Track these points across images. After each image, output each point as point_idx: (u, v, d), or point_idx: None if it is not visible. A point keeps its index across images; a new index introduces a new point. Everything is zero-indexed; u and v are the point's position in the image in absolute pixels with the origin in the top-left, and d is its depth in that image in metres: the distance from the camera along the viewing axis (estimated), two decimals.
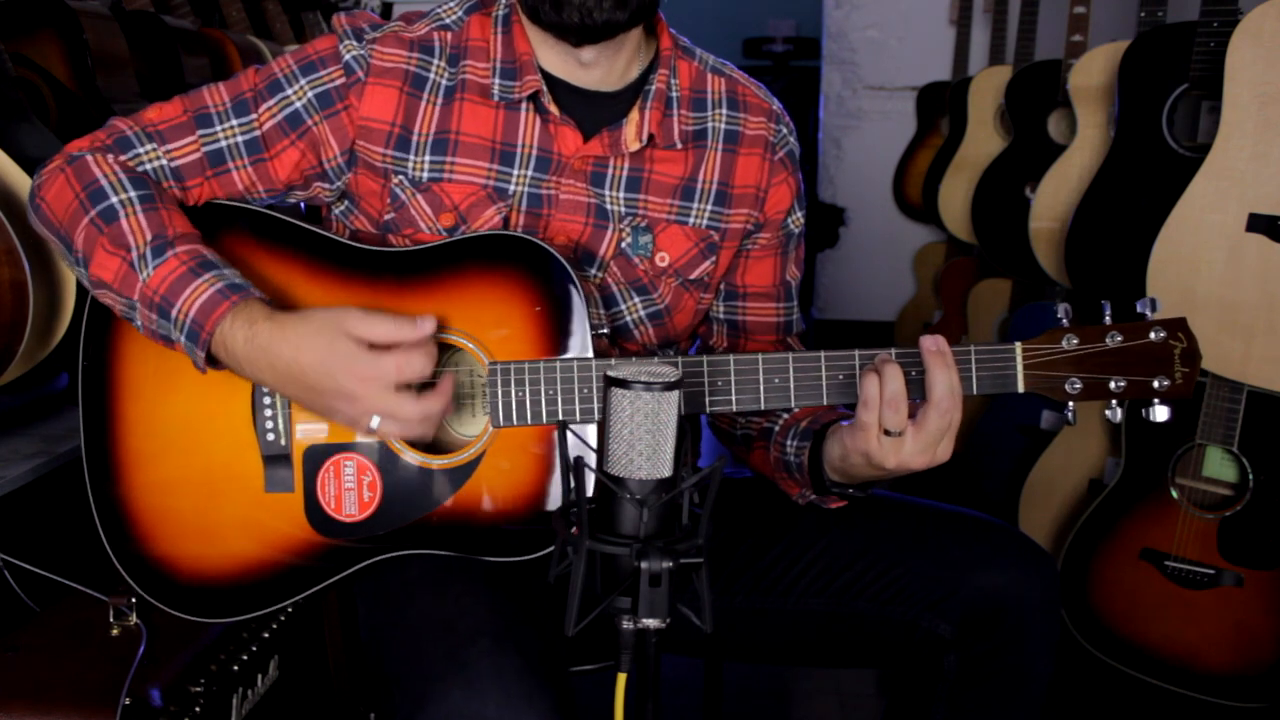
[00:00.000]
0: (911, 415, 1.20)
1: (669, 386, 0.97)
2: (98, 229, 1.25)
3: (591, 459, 1.02)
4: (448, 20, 1.39)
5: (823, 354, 1.26)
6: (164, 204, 1.28)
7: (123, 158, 1.31)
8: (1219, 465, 2.27)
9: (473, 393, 1.33)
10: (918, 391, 1.22)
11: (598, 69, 1.36)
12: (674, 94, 1.41)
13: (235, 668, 1.42)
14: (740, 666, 2.50)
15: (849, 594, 1.41)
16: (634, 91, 1.39)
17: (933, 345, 1.21)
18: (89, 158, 1.29)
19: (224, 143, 1.34)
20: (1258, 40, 2.01)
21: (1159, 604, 2.32)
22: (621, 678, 1.00)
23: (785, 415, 1.42)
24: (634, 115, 1.37)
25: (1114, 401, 1.26)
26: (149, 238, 1.24)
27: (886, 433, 1.20)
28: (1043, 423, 3.03)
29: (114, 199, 1.25)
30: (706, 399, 1.27)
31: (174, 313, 1.21)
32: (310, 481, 1.31)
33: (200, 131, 1.33)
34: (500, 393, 1.26)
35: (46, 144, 1.69)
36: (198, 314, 1.20)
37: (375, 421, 1.19)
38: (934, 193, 3.97)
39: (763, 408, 1.28)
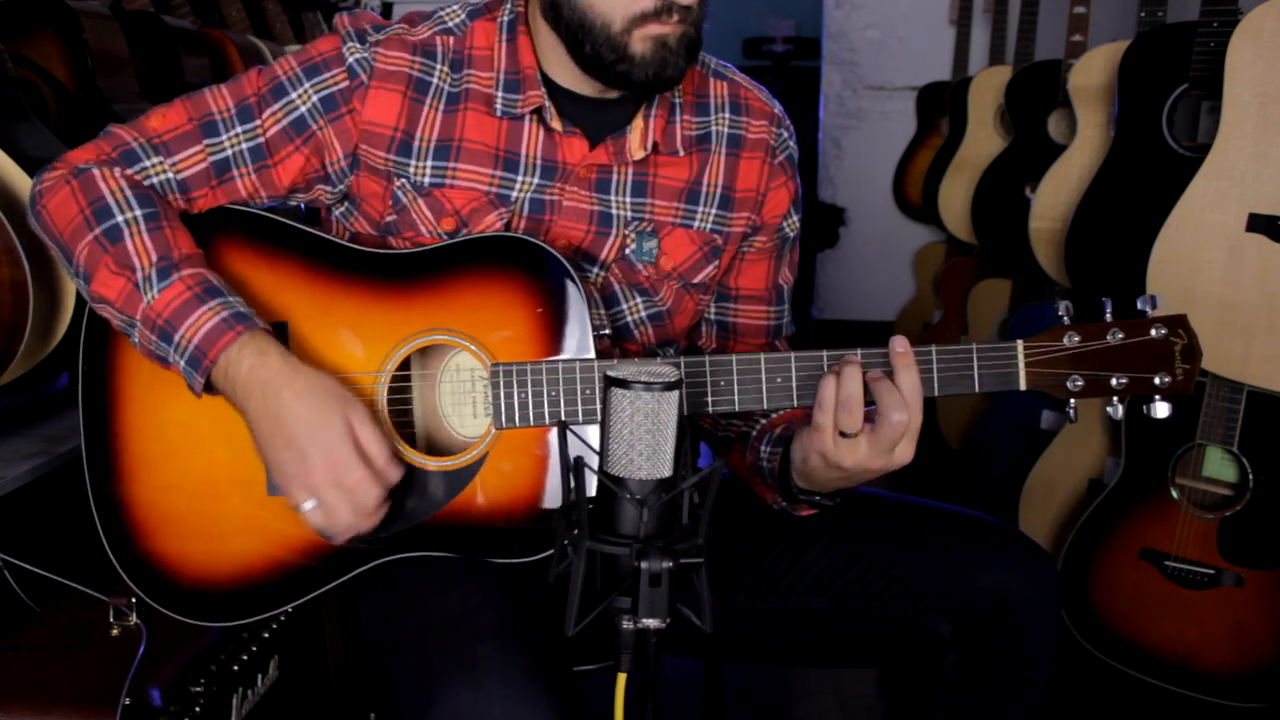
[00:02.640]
0: (870, 420, 1.20)
1: (669, 386, 0.97)
2: (102, 248, 1.24)
3: (592, 459, 1.02)
4: (450, 24, 1.38)
5: (825, 353, 1.27)
6: (169, 222, 1.27)
7: (129, 171, 1.30)
8: (1219, 465, 2.27)
9: (474, 392, 1.33)
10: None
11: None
12: (677, 99, 1.41)
13: (235, 668, 1.42)
14: (740, 666, 2.50)
15: (850, 593, 1.42)
16: (638, 98, 1.38)
17: (899, 347, 1.21)
18: (95, 171, 1.28)
19: (229, 151, 1.32)
20: (1258, 40, 2.01)
21: (1159, 604, 2.32)
22: (621, 678, 1.00)
23: (763, 420, 1.42)
24: (638, 122, 1.37)
25: (1115, 399, 1.27)
26: (154, 259, 1.23)
27: (842, 434, 1.21)
28: (1043, 423, 3.03)
29: (119, 218, 1.25)
30: (709, 399, 1.27)
31: (176, 338, 1.21)
32: None
33: (207, 141, 1.32)
34: (503, 394, 1.26)
35: (46, 144, 1.69)
36: (201, 342, 1.20)
37: (310, 503, 1.20)
38: (934, 193, 3.96)
39: (766, 407, 1.28)
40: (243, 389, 1.21)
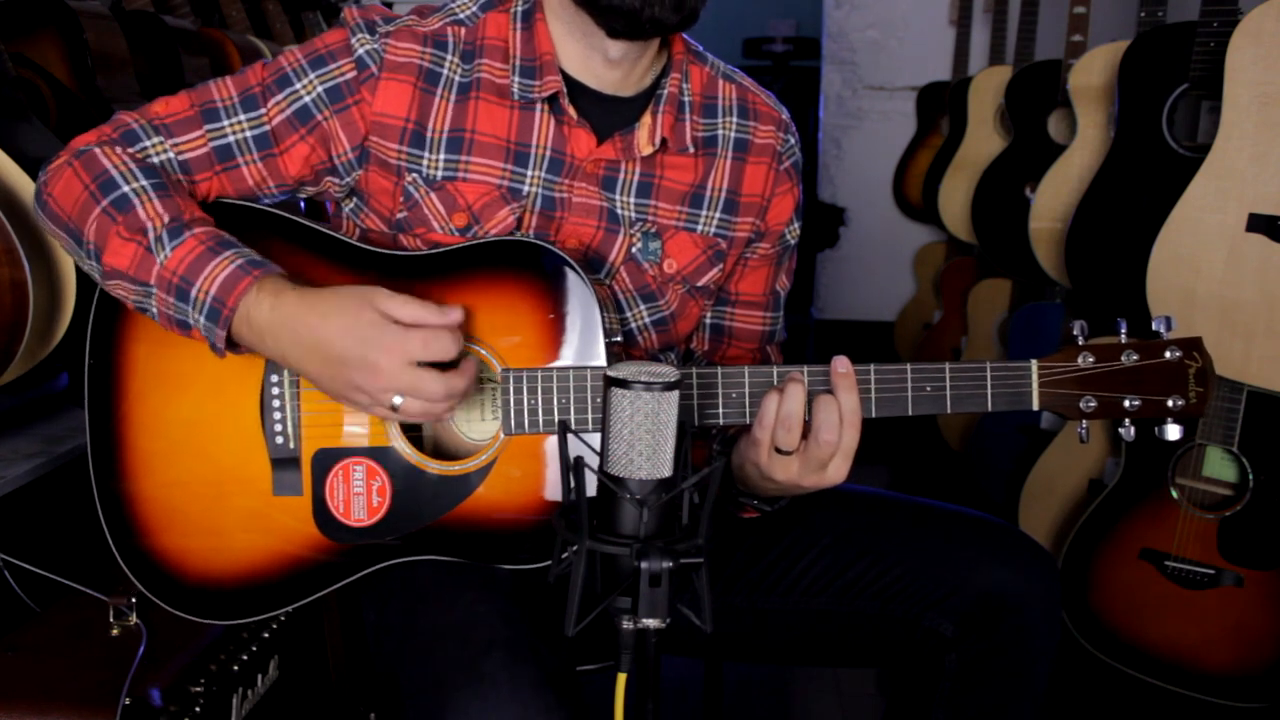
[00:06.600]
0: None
1: (669, 386, 0.97)
2: (110, 218, 1.23)
3: (592, 459, 1.02)
4: (461, 15, 1.38)
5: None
6: (176, 192, 1.27)
7: (131, 149, 1.29)
8: (1219, 465, 2.27)
9: (483, 397, 1.33)
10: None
11: (619, 70, 1.35)
12: (686, 99, 1.40)
13: (235, 668, 1.42)
14: (740, 666, 2.50)
15: (850, 593, 1.42)
16: (647, 96, 1.38)
17: (841, 367, 1.21)
18: (96, 150, 1.27)
19: (232, 138, 1.32)
20: (1258, 40, 2.01)
21: (1159, 604, 2.32)
22: (621, 678, 1.00)
23: None
24: (646, 119, 1.37)
25: (1127, 420, 1.26)
26: (166, 220, 1.22)
27: (778, 450, 1.21)
28: (1043, 423, 3.03)
29: (126, 188, 1.24)
30: (721, 411, 1.27)
31: (194, 292, 1.19)
32: (319, 485, 1.30)
33: (207, 126, 1.31)
34: (512, 400, 1.25)
35: (46, 144, 1.69)
36: (219, 291, 1.18)
37: (398, 400, 1.15)
38: (934, 193, 3.97)
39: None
40: (271, 333, 1.18)
